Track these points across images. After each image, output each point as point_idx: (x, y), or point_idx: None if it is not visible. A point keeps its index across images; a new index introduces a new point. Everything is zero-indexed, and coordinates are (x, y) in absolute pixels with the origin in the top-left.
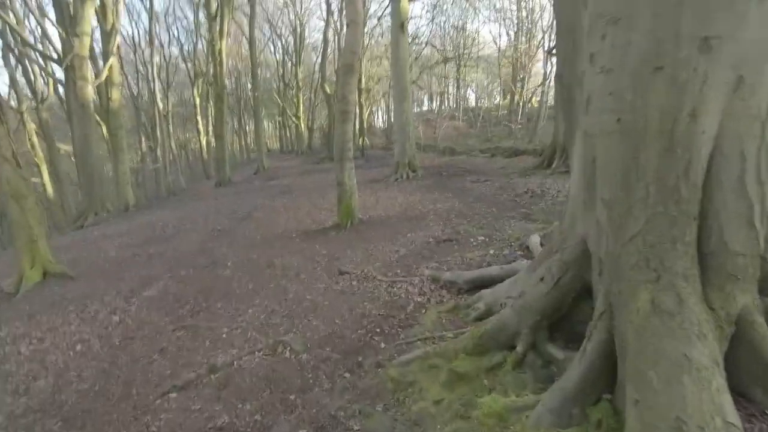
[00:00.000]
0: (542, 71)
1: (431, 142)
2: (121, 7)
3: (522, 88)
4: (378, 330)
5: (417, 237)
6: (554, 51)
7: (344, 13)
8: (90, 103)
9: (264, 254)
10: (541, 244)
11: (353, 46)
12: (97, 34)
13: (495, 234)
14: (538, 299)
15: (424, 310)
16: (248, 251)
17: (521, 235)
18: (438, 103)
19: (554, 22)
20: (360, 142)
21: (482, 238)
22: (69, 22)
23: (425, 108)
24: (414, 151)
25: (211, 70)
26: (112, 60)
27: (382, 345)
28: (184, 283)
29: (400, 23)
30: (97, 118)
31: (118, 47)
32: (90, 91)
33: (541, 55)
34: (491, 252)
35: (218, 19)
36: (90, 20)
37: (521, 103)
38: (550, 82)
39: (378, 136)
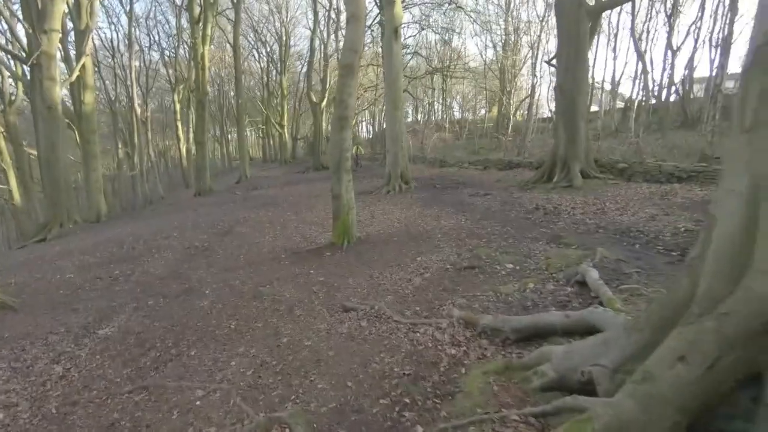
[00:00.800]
0: (528, 84)
1: (419, 153)
2: (97, 6)
3: (509, 100)
4: (407, 401)
5: (430, 262)
6: (554, 60)
7: (336, 17)
8: (58, 106)
9: (249, 280)
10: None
11: (354, 44)
12: (73, 37)
13: (526, 261)
14: (678, 388)
15: (463, 369)
16: (230, 275)
17: (562, 263)
18: (425, 114)
19: (541, 35)
20: (354, 151)
21: (510, 265)
22: (36, 18)
23: (410, 119)
24: (407, 162)
25: (193, 76)
26: (85, 60)
27: (420, 431)
28: (150, 318)
29: (394, 29)
30: (68, 121)
31: (94, 48)
32: (57, 93)
33: (526, 70)
34: (531, 286)
35: (201, 23)
36: (60, 17)
37: (509, 116)
38: (539, 95)
39: (362, 145)
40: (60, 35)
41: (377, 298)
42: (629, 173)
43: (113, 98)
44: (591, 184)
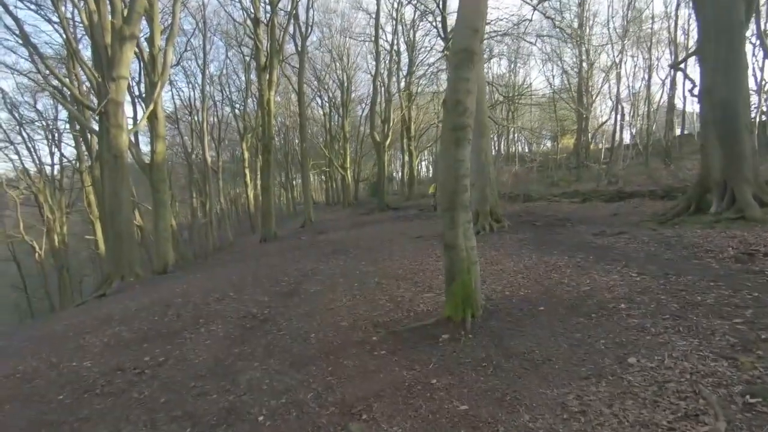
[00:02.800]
0: (606, 109)
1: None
2: (169, 60)
3: (585, 127)
4: None
5: (664, 371)
6: (681, 66)
7: (397, 58)
8: (124, 154)
9: (329, 393)
10: None
11: (472, 20)
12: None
13: None
14: None
15: None
16: (297, 379)
17: None
18: (497, 145)
19: (623, 54)
20: (433, 191)
21: None
22: (106, 66)
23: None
24: (496, 197)
25: (260, 122)
26: (155, 110)
27: None
28: None
29: None
30: (138, 169)
31: (174, 107)
32: (124, 141)
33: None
34: None
35: (267, 70)
36: (128, 64)
37: (587, 144)
38: (618, 120)
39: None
40: (128, 82)
41: None
42: None
43: (190, 151)
44: None
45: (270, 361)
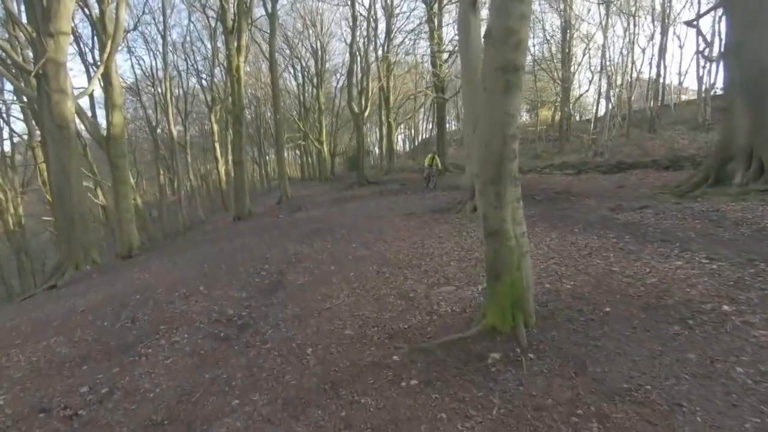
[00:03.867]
0: (585, 80)
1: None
2: (122, 17)
3: (567, 98)
4: None
5: None
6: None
7: (374, 25)
8: (71, 124)
9: None
10: None
11: None
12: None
13: None
14: None
15: None
16: (297, 426)
17: None
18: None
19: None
20: (429, 163)
21: None
22: (41, 19)
23: (453, 127)
24: None
25: (229, 91)
26: (106, 72)
27: None
28: None
29: (471, 1)
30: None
31: (135, 77)
32: (70, 108)
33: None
34: None
35: (236, 33)
36: (69, 17)
37: (569, 116)
38: (601, 90)
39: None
40: (70, 39)
41: None
42: None
43: (154, 125)
44: None
45: (254, 397)
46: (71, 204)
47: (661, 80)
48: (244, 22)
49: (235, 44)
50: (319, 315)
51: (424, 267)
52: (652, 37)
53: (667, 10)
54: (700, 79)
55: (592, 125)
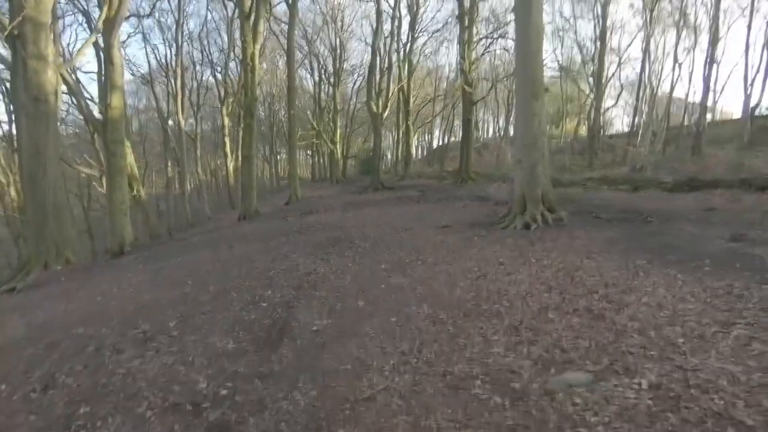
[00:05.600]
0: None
1: (492, 170)
2: None
3: (598, 109)
4: None
5: None
6: None
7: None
8: (50, 96)
9: None
10: None
11: None
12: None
13: None
14: None
15: None
16: None
17: None
18: (504, 124)
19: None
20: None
21: None
22: None
23: (490, 134)
24: (549, 179)
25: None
26: (108, 51)
27: None
28: None
29: None
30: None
31: (149, 67)
32: (50, 79)
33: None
34: None
35: (252, 18)
36: None
37: (599, 128)
38: (640, 102)
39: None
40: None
41: None
42: None
43: (166, 116)
44: None
45: None
46: (44, 192)
47: (711, 95)
48: (262, 7)
49: (251, 31)
50: (352, 414)
51: (506, 317)
52: (693, 48)
53: (719, 21)
54: (748, 96)
55: (639, 139)
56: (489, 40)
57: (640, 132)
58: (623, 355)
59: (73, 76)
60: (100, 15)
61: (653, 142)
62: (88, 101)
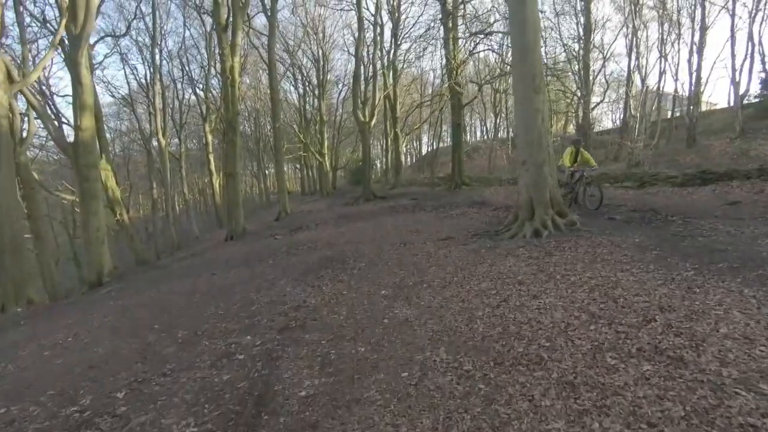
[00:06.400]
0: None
1: (485, 174)
2: (94, 2)
3: (587, 106)
4: None
5: None
6: None
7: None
8: (1, 120)
9: None
10: None
11: None
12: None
13: None
14: None
15: None
16: None
17: None
18: (493, 127)
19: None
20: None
21: None
22: None
23: (477, 136)
24: (556, 179)
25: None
26: (75, 70)
27: None
28: None
29: None
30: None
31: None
32: (1, 100)
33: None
34: None
35: (229, 30)
36: None
37: (589, 125)
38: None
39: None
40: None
41: None
42: None
43: (149, 136)
44: None
45: None
46: None
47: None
48: (239, 17)
49: (229, 43)
50: None
51: (552, 364)
52: (678, 40)
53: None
54: (736, 85)
55: (636, 132)
56: (476, 40)
57: (637, 127)
58: (742, 430)
59: (37, 97)
60: (57, 30)
61: (649, 136)
62: (64, 124)
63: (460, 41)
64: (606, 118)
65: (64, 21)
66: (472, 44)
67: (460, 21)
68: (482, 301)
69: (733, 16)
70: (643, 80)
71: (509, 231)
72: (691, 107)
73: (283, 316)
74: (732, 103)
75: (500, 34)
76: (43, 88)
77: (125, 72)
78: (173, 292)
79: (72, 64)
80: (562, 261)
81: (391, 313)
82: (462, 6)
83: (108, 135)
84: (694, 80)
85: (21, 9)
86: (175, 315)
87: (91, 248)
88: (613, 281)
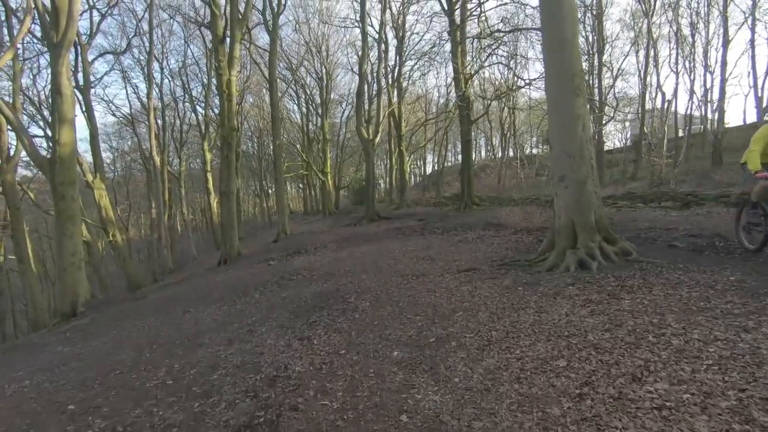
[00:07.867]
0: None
1: (495, 194)
2: (76, 11)
3: (599, 125)
4: None
5: None
6: None
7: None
8: None
9: None
10: None
11: None
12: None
13: None
14: None
15: None
16: None
17: None
18: (500, 145)
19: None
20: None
21: None
22: None
23: (483, 155)
24: (600, 197)
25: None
26: (55, 79)
27: None
28: None
29: None
30: None
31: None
32: None
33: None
34: None
35: (227, 43)
36: None
37: (601, 142)
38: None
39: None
40: None
41: None
42: None
43: (148, 155)
44: None
45: None
46: None
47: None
48: (237, 29)
49: (226, 55)
50: None
51: None
52: (692, 56)
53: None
54: (759, 100)
55: (664, 148)
56: (485, 54)
57: (665, 144)
58: None
59: (12, 108)
60: (20, 30)
61: (676, 154)
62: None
63: (468, 55)
64: (612, 137)
65: (26, 22)
66: (484, 56)
67: (470, 26)
68: (550, 383)
69: (753, 30)
70: (664, 96)
71: (546, 261)
72: (716, 124)
73: (249, 399)
74: (756, 119)
75: (510, 47)
76: (35, 99)
77: (127, 91)
78: (129, 338)
79: (52, 74)
80: (641, 309)
81: (412, 401)
82: (475, 16)
83: (110, 154)
84: (718, 96)
85: None
86: (108, 385)
87: (65, 275)
88: (743, 349)
